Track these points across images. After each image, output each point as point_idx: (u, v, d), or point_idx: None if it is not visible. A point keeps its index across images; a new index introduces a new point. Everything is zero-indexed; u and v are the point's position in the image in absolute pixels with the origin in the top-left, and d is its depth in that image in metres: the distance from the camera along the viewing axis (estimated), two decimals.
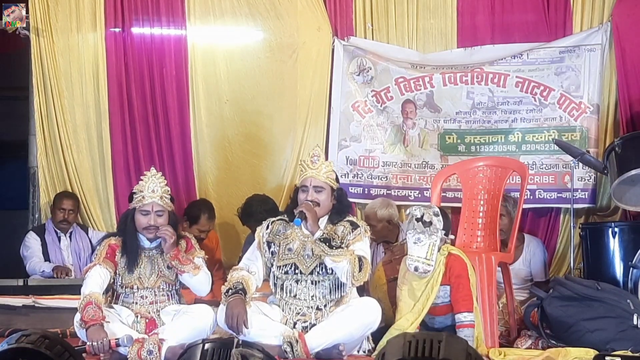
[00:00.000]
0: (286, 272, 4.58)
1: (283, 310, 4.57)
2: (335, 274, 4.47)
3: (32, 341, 2.98)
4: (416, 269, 4.58)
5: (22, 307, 5.25)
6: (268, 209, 6.02)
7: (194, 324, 4.35)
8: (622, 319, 4.61)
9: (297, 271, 4.57)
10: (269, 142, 6.74)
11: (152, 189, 4.48)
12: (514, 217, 5.37)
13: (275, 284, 4.62)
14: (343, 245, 4.44)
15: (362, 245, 4.51)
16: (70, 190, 6.50)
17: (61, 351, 2.99)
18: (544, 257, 6.03)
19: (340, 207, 4.61)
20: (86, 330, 4.17)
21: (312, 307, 4.52)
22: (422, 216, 4.62)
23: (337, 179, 4.65)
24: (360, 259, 4.40)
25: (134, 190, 4.52)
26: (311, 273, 4.55)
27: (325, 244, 4.41)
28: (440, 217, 4.64)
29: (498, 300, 5.02)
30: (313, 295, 4.53)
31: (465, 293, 4.61)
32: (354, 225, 4.57)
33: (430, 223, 4.60)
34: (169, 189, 4.57)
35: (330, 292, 4.53)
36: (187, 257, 4.49)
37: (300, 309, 4.53)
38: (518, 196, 5.45)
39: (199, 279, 4.51)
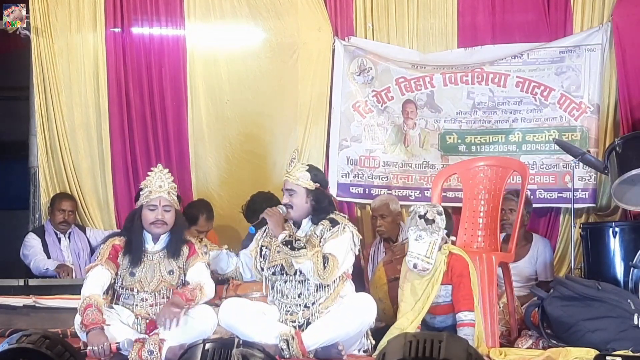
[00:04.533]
0: (274, 273, 4.63)
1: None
2: None
3: (33, 341, 2.98)
4: (415, 266, 4.59)
5: (23, 307, 5.25)
6: (272, 206, 6.01)
7: (194, 324, 4.34)
8: (623, 318, 4.61)
9: (283, 272, 4.62)
10: (270, 142, 6.74)
11: (159, 184, 4.48)
12: (523, 214, 5.36)
13: (267, 286, 4.69)
14: (309, 245, 4.46)
15: (336, 242, 4.51)
16: (70, 191, 6.51)
17: (62, 351, 2.99)
18: (551, 258, 6.02)
19: (318, 207, 4.61)
20: (86, 334, 4.17)
21: (300, 306, 4.56)
22: (425, 213, 4.63)
23: (315, 180, 4.62)
24: (325, 256, 4.43)
25: (140, 187, 4.52)
26: (296, 273, 4.58)
27: (288, 247, 4.47)
28: (444, 216, 4.65)
29: (499, 300, 5.02)
30: (300, 294, 4.57)
31: (466, 292, 4.62)
32: (334, 223, 4.57)
33: (433, 221, 4.60)
34: (175, 185, 4.58)
35: (317, 289, 4.54)
36: (191, 295, 4.34)
37: (289, 307, 4.57)
38: (529, 194, 5.43)
39: (208, 297, 4.51)
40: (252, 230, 4.70)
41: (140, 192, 4.52)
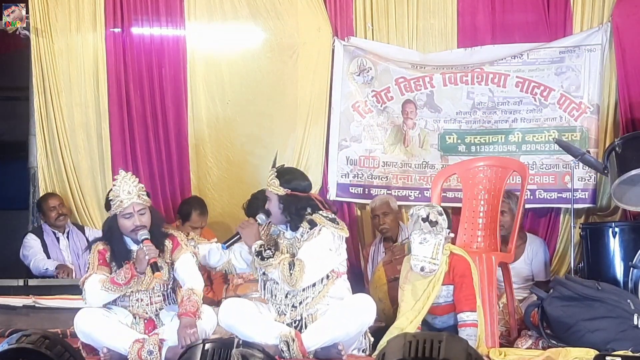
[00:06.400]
0: (264, 273, 4.59)
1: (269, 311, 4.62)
2: None
3: (33, 341, 2.99)
4: (422, 269, 4.58)
5: (23, 307, 5.26)
6: None
7: None
8: (623, 319, 4.61)
9: None
10: (270, 142, 6.73)
11: (127, 190, 4.42)
12: (516, 214, 5.36)
13: (260, 286, 4.68)
14: (277, 253, 4.46)
15: (307, 246, 4.46)
16: (70, 191, 6.52)
17: (61, 351, 3.00)
18: (546, 257, 6.04)
19: (288, 213, 4.54)
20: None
21: (288, 305, 4.54)
22: (427, 216, 4.62)
23: (287, 185, 4.54)
24: (292, 262, 4.41)
25: (109, 198, 4.46)
26: None
27: (258, 257, 4.47)
28: (445, 216, 4.66)
29: (498, 300, 5.02)
30: (287, 294, 4.55)
31: (468, 292, 4.62)
32: (312, 225, 4.51)
33: (436, 222, 4.60)
34: (142, 185, 4.53)
35: (303, 289, 4.51)
36: (193, 307, 4.34)
37: (279, 307, 4.57)
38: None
39: (201, 293, 4.49)
40: (223, 247, 4.66)
41: (110, 202, 4.45)
